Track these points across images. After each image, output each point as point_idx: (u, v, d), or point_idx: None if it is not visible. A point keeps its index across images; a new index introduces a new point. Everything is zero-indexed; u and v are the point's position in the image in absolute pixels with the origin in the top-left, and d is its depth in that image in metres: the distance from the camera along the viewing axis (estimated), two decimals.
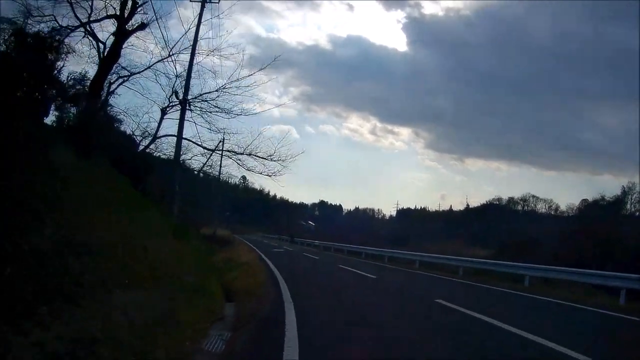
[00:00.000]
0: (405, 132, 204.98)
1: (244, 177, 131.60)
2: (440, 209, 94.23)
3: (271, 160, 23.78)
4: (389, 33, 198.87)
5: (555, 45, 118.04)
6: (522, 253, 25.74)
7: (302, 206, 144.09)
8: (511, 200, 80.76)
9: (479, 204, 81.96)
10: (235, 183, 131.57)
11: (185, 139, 24.59)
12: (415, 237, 56.04)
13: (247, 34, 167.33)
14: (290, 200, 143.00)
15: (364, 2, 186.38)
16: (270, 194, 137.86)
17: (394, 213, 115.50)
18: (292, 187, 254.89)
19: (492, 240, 43.99)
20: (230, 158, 25.39)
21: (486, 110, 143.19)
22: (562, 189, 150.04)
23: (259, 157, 23.88)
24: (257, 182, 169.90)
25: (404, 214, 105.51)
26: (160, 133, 25.16)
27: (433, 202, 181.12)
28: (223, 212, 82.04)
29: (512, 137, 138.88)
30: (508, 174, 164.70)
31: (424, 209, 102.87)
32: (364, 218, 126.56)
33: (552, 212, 75.52)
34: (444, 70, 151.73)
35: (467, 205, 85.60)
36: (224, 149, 26.64)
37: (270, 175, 24.45)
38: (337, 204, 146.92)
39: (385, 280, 18.82)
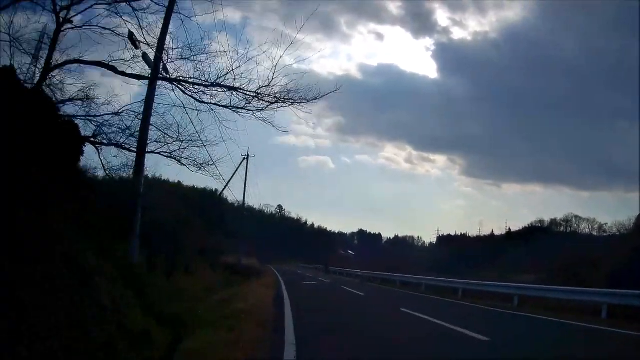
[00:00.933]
0: (440, 159, 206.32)
1: (280, 207, 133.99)
2: (482, 234, 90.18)
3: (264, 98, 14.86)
4: (419, 60, 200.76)
5: (586, 64, 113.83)
6: (576, 276, 22.74)
7: (340, 235, 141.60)
8: (554, 222, 78.06)
9: (521, 228, 78.74)
10: (272, 212, 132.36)
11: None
12: (461, 263, 53.58)
13: (278, 66, 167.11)
14: (328, 229, 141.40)
15: (392, 30, 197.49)
16: (308, 223, 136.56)
17: (434, 240, 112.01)
18: (331, 217, 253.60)
19: (539, 264, 40.85)
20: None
21: (520, 133, 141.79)
22: (599, 209, 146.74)
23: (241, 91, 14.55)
24: (294, 211, 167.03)
25: (445, 241, 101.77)
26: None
27: (471, 229, 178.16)
28: (255, 240, 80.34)
29: (547, 159, 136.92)
30: (544, 197, 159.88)
31: (465, 235, 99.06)
32: (404, 246, 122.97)
33: (596, 232, 72.09)
34: (476, 95, 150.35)
35: (509, 229, 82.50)
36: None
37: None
38: (376, 233, 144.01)
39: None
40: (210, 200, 68.08)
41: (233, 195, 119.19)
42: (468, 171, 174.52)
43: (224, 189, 47.31)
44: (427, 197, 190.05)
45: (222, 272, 34.46)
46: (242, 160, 54.19)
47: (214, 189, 76.28)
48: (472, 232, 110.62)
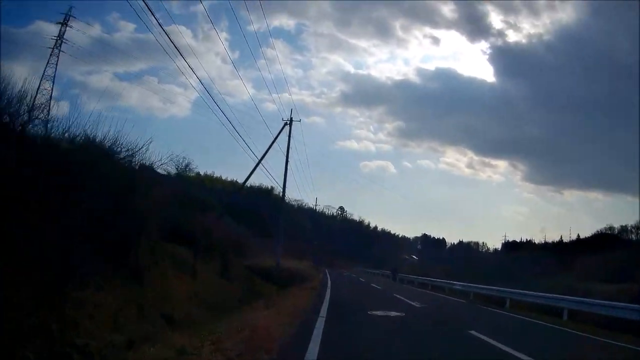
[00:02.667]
0: (502, 164, 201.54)
1: (342, 208, 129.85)
2: (549, 241, 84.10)
3: None
4: (476, 64, 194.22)
5: None
6: None
7: (404, 239, 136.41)
8: (624, 228, 71.43)
9: (589, 234, 73.17)
10: (333, 214, 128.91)
11: None
12: (527, 271, 48.76)
13: (336, 71, 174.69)
14: (392, 232, 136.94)
15: (448, 34, 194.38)
16: (371, 225, 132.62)
17: (498, 246, 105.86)
18: (393, 221, 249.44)
19: (615, 273, 35.78)
20: None
21: (580, 138, 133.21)
22: None
23: None
24: (357, 212, 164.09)
25: (510, 247, 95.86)
26: None
27: (532, 235, 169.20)
28: (313, 242, 77.04)
29: (608, 165, 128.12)
30: (604, 204, 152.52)
31: (530, 241, 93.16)
32: (469, 251, 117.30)
33: None
34: (534, 98, 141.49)
35: (578, 235, 77.31)
36: None
37: None
38: (440, 238, 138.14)
39: None
40: (265, 198, 66.08)
41: (301, 194, 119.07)
42: (529, 177, 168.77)
43: (259, 162, 38.59)
44: (488, 202, 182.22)
45: (242, 279, 27.40)
46: (284, 126, 42.62)
47: (269, 187, 75.65)
48: (535, 239, 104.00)
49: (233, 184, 67.45)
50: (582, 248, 60.66)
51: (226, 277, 24.65)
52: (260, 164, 36.25)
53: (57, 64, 42.75)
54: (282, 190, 43.55)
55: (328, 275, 47.08)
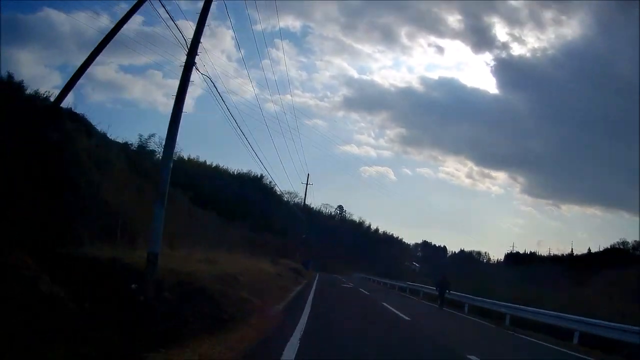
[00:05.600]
0: (501, 176, 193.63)
1: (340, 207, 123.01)
2: (555, 254, 77.41)
3: None
4: (480, 75, 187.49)
5: None
6: None
7: (403, 245, 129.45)
8: (638, 244, 64.49)
9: (602, 249, 65.41)
10: (331, 213, 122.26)
11: None
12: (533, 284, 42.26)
13: (339, 75, 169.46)
14: (395, 235, 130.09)
15: (452, 44, 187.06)
16: (372, 227, 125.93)
17: (500, 257, 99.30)
18: (392, 225, 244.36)
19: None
20: None
21: (581, 153, 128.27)
22: None
23: None
24: (357, 213, 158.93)
25: (513, 258, 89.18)
26: None
27: (529, 247, 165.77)
28: (306, 241, 69.77)
29: (608, 181, 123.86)
30: (603, 221, 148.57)
31: (533, 253, 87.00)
32: (471, 261, 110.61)
33: None
34: (537, 112, 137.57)
35: (589, 250, 68.99)
36: None
37: None
38: (442, 245, 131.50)
39: None
40: (252, 185, 60.52)
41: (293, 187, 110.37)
42: (528, 190, 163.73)
43: None
44: (486, 213, 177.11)
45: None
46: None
47: (258, 175, 69.73)
48: (537, 251, 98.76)
49: (217, 169, 62.70)
50: (594, 262, 54.92)
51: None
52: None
53: None
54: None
55: (312, 291, 26.01)
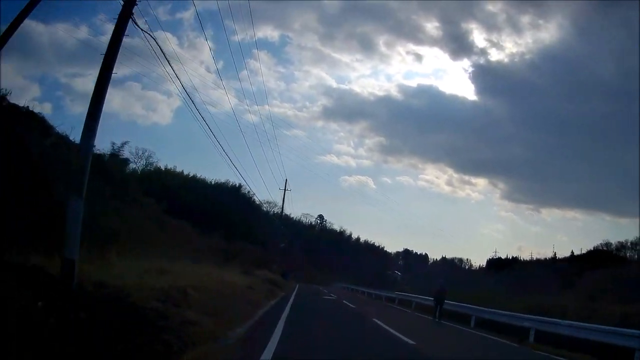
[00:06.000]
0: (481, 182, 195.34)
1: (321, 216, 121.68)
2: (542, 258, 76.61)
3: None
4: (458, 82, 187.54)
5: (626, 85, 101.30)
6: None
7: (385, 253, 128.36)
8: (622, 245, 62.96)
9: (585, 250, 64.53)
10: (311, 223, 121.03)
11: None
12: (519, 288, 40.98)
13: (318, 85, 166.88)
14: (376, 244, 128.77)
15: (431, 52, 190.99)
16: (353, 236, 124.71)
17: (483, 263, 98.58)
18: (373, 234, 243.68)
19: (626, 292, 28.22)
20: None
21: (561, 157, 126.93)
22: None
23: None
24: (337, 222, 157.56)
25: (495, 264, 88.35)
26: None
27: (510, 253, 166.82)
28: (286, 251, 68.09)
29: (588, 184, 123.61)
30: (583, 224, 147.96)
31: (515, 258, 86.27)
32: (453, 268, 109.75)
33: None
34: (516, 117, 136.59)
35: (572, 252, 67.67)
36: None
37: None
38: (423, 253, 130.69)
39: None
40: (230, 195, 58.76)
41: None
42: (509, 195, 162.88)
43: None
44: (467, 220, 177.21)
45: None
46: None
47: (237, 184, 67.98)
48: (519, 256, 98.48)
49: (194, 179, 61.08)
50: (579, 265, 54.02)
51: None
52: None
53: None
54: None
55: (288, 306, 21.83)
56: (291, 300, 26.71)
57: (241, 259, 33.53)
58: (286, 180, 53.04)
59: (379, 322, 18.92)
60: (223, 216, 47.32)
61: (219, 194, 57.96)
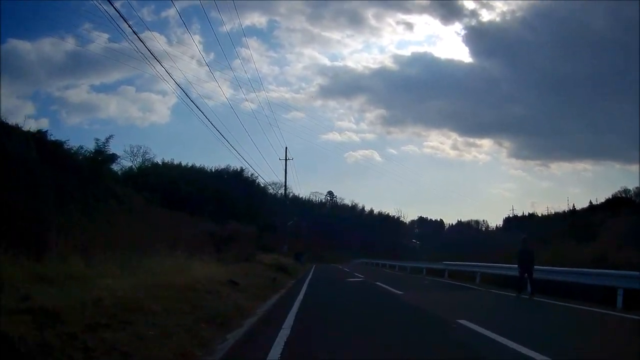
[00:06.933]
0: (487, 143, 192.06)
1: (330, 193, 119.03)
2: (561, 211, 73.93)
3: None
4: (452, 46, 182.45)
5: (622, 37, 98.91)
6: None
7: (400, 223, 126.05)
8: None
9: (604, 200, 61.64)
10: (321, 200, 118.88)
11: None
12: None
13: (312, 65, 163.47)
14: (391, 214, 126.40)
15: (421, 19, 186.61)
16: (366, 209, 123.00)
17: (500, 223, 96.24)
18: (385, 206, 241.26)
19: None
20: None
21: (563, 112, 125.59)
22: None
23: None
24: (348, 198, 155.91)
25: (513, 222, 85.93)
26: None
27: (525, 210, 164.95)
28: (299, 231, 66.00)
29: (594, 135, 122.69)
30: (594, 174, 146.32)
31: (532, 214, 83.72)
32: (470, 231, 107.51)
33: None
34: (513, 76, 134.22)
35: (590, 202, 65.14)
36: None
37: None
38: (438, 219, 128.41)
39: None
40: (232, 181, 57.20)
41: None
42: (516, 153, 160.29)
43: None
44: (476, 182, 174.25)
45: None
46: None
47: (238, 169, 66.74)
48: (535, 212, 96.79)
49: (193, 169, 60.04)
50: (601, 215, 51.59)
51: None
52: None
53: None
54: None
55: (292, 312, 11.77)
56: (301, 294, 17.24)
57: (241, 244, 30.11)
58: (286, 148, 50.45)
59: (468, 324, 9.50)
60: (224, 202, 45.50)
61: (219, 181, 56.67)
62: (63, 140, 24.82)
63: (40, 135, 19.22)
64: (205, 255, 19.94)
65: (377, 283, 23.63)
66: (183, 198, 39.23)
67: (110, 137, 33.67)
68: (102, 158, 30.91)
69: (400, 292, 18.37)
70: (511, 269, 19.30)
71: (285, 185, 54.45)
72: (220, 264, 20.23)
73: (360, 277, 29.31)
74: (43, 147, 16.78)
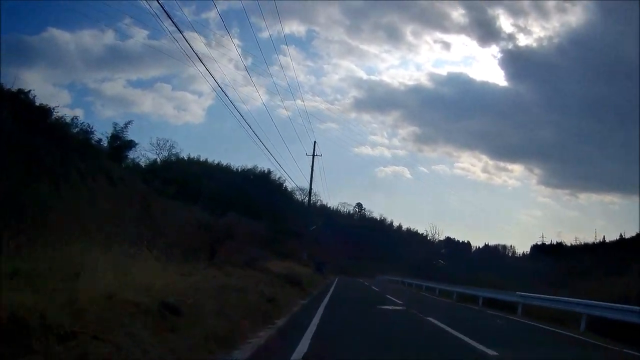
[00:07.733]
0: (517, 168, 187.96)
1: (359, 205, 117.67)
2: (590, 242, 70.91)
3: None
4: (487, 68, 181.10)
5: None
6: None
7: (428, 242, 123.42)
8: None
9: (635, 234, 57.82)
10: (349, 212, 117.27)
11: None
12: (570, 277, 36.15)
13: (348, 77, 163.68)
14: (419, 231, 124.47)
15: (458, 39, 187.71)
16: (394, 224, 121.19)
17: (526, 249, 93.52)
18: (413, 223, 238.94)
19: None
20: None
21: (595, 140, 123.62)
22: None
23: None
24: (377, 210, 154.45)
25: (541, 250, 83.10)
26: None
27: (551, 239, 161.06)
28: (322, 240, 64.47)
29: (624, 167, 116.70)
30: (620, 207, 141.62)
31: (560, 244, 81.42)
32: (497, 256, 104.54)
33: None
34: (547, 101, 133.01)
35: (620, 235, 62.49)
36: None
37: None
38: (465, 241, 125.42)
39: None
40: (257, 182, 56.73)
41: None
42: (545, 181, 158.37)
43: None
44: (505, 207, 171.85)
45: None
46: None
47: (265, 170, 66.48)
48: (563, 241, 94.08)
49: (218, 166, 60.23)
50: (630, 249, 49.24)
51: None
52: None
53: None
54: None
55: (309, 331, 10.07)
56: (310, 331, 10.53)
57: (241, 244, 26.35)
58: (315, 142, 49.19)
59: None
60: (245, 200, 44.63)
61: (245, 181, 56.36)
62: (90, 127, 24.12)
63: (25, 96, 17.88)
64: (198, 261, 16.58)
65: (430, 319, 15.34)
66: (203, 194, 38.54)
67: (130, 122, 33.08)
68: (120, 143, 30.33)
69: (493, 353, 9.44)
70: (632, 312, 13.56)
71: (310, 183, 51.78)
72: (193, 267, 14.82)
73: (399, 304, 21.53)
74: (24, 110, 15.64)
